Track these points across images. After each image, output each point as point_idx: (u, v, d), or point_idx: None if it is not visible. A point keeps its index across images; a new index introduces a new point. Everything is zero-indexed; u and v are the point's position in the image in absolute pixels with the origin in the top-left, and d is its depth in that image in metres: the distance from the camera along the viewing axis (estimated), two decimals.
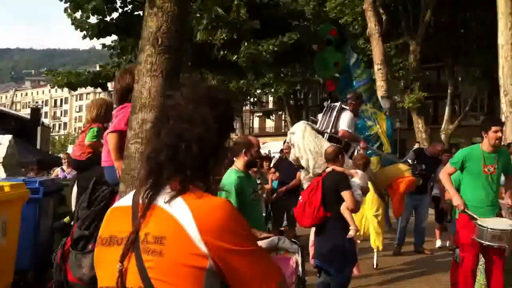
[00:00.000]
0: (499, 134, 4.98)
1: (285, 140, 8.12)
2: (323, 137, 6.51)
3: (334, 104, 6.75)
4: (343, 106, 6.76)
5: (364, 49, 24.34)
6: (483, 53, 23.56)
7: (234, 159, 4.25)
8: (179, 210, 1.36)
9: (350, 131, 6.60)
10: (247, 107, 46.88)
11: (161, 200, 1.40)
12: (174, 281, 1.33)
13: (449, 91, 28.57)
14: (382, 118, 7.94)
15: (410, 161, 7.97)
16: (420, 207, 8.19)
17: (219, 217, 1.36)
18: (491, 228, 4.77)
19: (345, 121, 6.59)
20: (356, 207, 5.07)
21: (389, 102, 19.37)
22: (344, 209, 4.95)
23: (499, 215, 5.13)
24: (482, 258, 5.29)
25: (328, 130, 6.62)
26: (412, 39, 24.18)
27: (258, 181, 6.56)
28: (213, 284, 1.36)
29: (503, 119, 15.56)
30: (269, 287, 1.39)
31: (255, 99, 41.24)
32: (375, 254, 7.15)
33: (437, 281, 6.56)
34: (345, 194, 4.91)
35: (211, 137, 1.44)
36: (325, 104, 6.94)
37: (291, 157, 6.83)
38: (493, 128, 4.98)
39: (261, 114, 49.96)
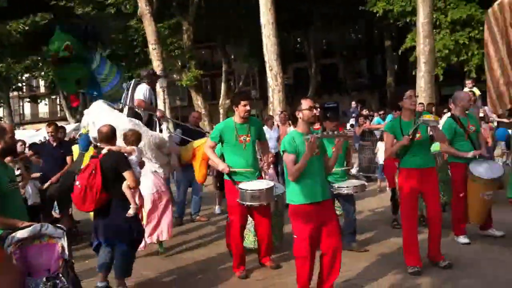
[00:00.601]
0: (247, 107, 5.53)
1: (48, 123, 7.75)
2: (122, 113, 6.66)
3: (130, 82, 6.91)
4: (139, 82, 6.95)
5: (138, 29, 24.18)
6: (250, 32, 25.38)
7: None
8: None
9: (145, 100, 6.77)
10: (15, 93, 42.25)
11: None
12: None
13: (223, 68, 30.15)
14: None
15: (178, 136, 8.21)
16: (194, 179, 8.53)
17: None
18: (249, 190, 5.25)
19: (140, 92, 6.76)
20: (137, 185, 5.18)
21: (166, 81, 19.70)
22: (125, 188, 5.02)
23: (260, 178, 5.67)
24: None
25: (127, 106, 6.72)
26: (184, 19, 24.76)
27: (18, 171, 6.07)
28: None
29: (270, 92, 17.13)
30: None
31: (22, 84, 37.59)
32: None
33: (217, 245, 6.97)
34: (127, 174, 4.99)
35: None
36: (124, 85, 7.07)
37: (92, 137, 6.64)
38: (242, 103, 5.52)
39: (29, 99, 45.24)
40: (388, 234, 6.89)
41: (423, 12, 14.53)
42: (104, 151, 5.12)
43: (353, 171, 10.51)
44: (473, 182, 6.01)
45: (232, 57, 35.57)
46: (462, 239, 6.15)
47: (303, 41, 36.41)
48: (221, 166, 5.54)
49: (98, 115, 6.47)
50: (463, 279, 4.90)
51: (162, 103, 19.86)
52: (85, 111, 6.90)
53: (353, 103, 22.88)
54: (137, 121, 6.52)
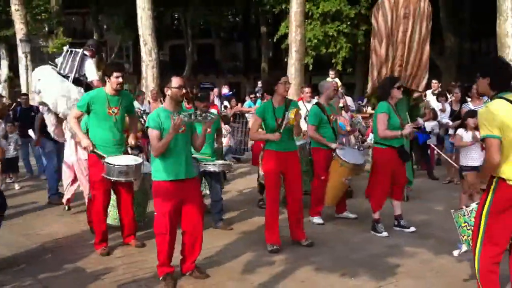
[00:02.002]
0: (120, 79, 5.36)
1: None
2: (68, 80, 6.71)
3: (76, 50, 6.81)
4: (85, 52, 6.84)
5: None
6: (126, 2, 24.37)
7: None
8: None
9: (99, 79, 6.93)
10: None
11: None
12: None
13: (94, 37, 28.69)
14: None
15: None
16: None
17: None
18: (117, 165, 5.17)
19: (92, 69, 6.82)
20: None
21: (29, 46, 18.25)
22: None
23: (126, 152, 5.57)
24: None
25: (72, 74, 6.73)
26: None
27: None
28: None
29: (144, 67, 16.69)
30: None
31: None
32: None
33: (77, 222, 6.74)
34: None
35: None
36: (65, 48, 6.98)
37: (38, 102, 6.92)
38: (115, 74, 5.35)
39: None
40: (252, 214, 7.12)
41: (296, 1, 15.03)
42: None
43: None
44: (340, 166, 6.33)
45: (105, 27, 33.98)
46: (317, 220, 6.54)
47: (180, 18, 35.88)
48: (85, 143, 5.34)
49: (50, 83, 6.57)
50: (315, 257, 5.24)
51: (24, 70, 18.42)
52: (34, 75, 6.92)
53: (259, 83, 22.46)
54: (83, 92, 6.56)
